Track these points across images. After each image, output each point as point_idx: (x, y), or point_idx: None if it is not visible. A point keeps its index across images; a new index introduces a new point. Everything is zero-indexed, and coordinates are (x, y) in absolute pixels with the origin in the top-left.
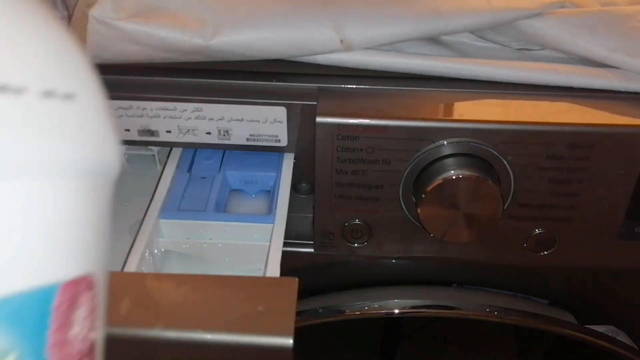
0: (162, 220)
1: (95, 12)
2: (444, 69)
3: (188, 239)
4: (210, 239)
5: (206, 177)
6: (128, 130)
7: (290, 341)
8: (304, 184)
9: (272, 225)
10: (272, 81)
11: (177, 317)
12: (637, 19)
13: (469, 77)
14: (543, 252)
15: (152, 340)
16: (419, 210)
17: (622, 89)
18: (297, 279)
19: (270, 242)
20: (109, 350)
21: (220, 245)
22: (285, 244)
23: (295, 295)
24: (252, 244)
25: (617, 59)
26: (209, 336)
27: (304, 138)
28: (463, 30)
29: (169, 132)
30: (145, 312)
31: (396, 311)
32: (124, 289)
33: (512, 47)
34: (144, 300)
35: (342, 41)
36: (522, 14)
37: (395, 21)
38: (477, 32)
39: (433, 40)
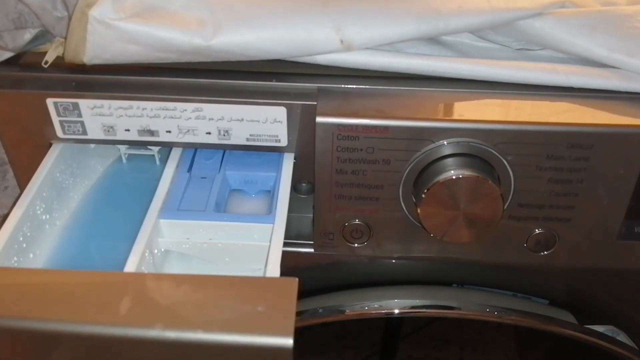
0: (162, 220)
1: (95, 12)
2: (444, 69)
3: (188, 239)
4: (210, 239)
5: (206, 177)
6: (128, 130)
7: (290, 341)
8: (304, 184)
9: (272, 225)
10: (272, 81)
11: (177, 317)
12: (637, 18)
13: (469, 77)
14: (543, 252)
15: (152, 340)
16: (419, 210)
17: (622, 89)
18: (297, 279)
19: (270, 242)
20: (109, 349)
21: (220, 245)
22: (285, 244)
23: (295, 296)
24: (252, 244)
25: (616, 59)
26: (208, 336)
27: (304, 138)
28: (463, 31)
29: (169, 132)
30: (145, 312)
31: (396, 311)
32: (124, 288)
33: (512, 47)
34: (144, 300)
35: (342, 41)
36: (522, 14)
37: (395, 21)
38: (477, 32)
39: (433, 40)
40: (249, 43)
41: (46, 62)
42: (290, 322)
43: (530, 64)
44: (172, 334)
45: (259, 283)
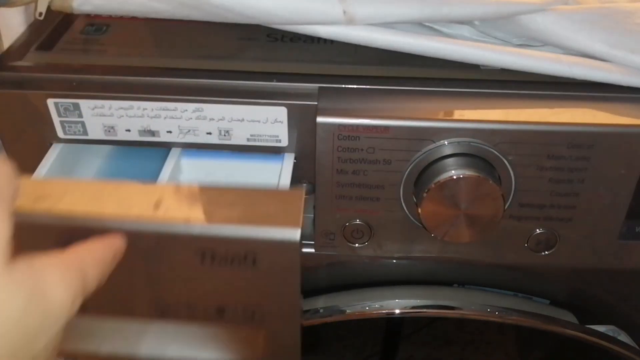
0: (183, 160)
1: None
2: (447, 51)
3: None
4: (228, 178)
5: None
6: (129, 130)
7: (297, 232)
8: (304, 184)
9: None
10: (272, 81)
11: (201, 214)
12: (638, 15)
13: (473, 62)
14: (544, 252)
15: (180, 235)
16: (419, 210)
17: (623, 83)
18: (302, 189)
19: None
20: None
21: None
22: None
23: (302, 201)
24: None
25: (618, 55)
26: (223, 229)
27: (305, 138)
28: (466, 19)
29: (170, 132)
30: (174, 211)
31: (397, 311)
32: (153, 191)
33: (512, 42)
34: (172, 201)
35: (345, 12)
36: (526, 8)
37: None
38: (478, 26)
39: (434, 31)
40: (250, 0)
41: (40, 14)
42: (298, 218)
43: (535, 52)
44: (197, 229)
45: (267, 192)
